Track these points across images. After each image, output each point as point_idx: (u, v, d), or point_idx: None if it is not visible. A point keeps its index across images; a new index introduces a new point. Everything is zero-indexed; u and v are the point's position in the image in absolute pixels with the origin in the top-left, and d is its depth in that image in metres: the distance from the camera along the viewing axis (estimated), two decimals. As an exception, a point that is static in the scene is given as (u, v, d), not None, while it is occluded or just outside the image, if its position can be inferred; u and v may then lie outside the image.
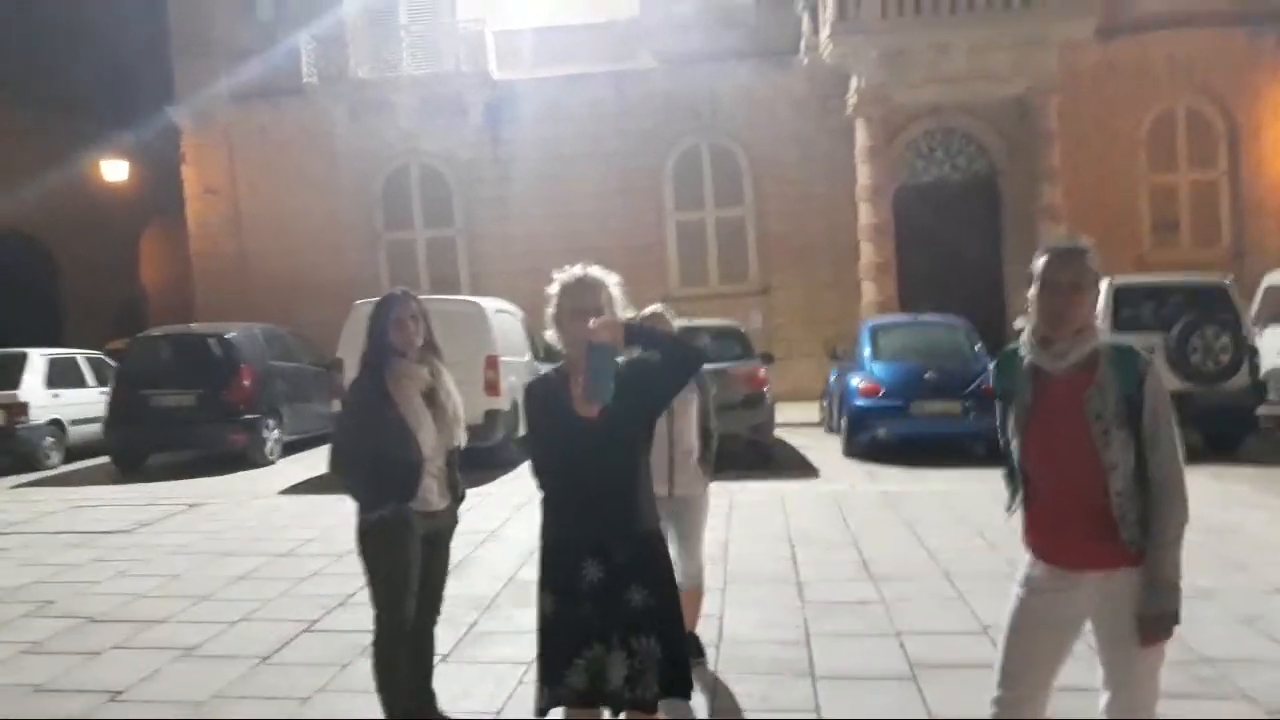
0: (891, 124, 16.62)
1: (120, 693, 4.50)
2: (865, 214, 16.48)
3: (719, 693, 4.30)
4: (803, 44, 16.81)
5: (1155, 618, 2.51)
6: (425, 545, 3.77)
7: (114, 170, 20.31)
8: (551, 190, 17.39)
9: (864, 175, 16.40)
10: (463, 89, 17.15)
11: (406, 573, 3.70)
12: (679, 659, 2.89)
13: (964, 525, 7.39)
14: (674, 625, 2.91)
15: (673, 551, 4.16)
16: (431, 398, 3.78)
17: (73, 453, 13.11)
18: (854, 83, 16.12)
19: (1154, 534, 2.52)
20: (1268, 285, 12.82)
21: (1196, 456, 9.69)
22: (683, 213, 17.94)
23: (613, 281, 2.96)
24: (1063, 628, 2.67)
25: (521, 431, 11.28)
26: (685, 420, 4.25)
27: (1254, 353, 10.53)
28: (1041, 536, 2.70)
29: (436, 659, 4.53)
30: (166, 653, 5.04)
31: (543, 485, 2.94)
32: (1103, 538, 2.55)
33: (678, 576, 4.15)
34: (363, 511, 3.70)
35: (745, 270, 17.91)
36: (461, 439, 3.89)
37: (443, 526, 3.87)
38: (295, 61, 16.96)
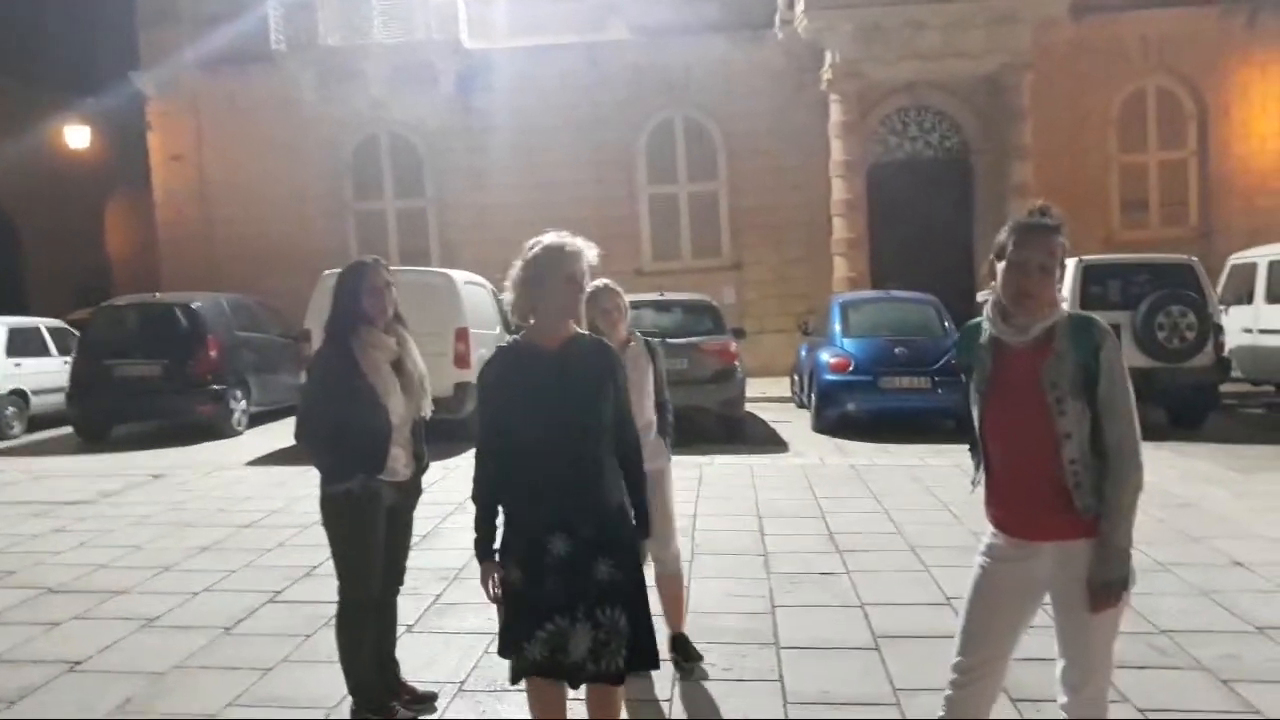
0: (866, 100, 16.61)
1: (79, 663, 4.45)
2: (838, 189, 16.49)
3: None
4: (778, 18, 16.73)
5: (1104, 583, 2.53)
6: (389, 516, 3.74)
7: (77, 137, 19.91)
8: (523, 161, 17.24)
9: (837, 151, 16.39)
10: (434, 57, 16.92)
11: (371, 545, 3.67)
12: (644, 632, 2.89)
13: (930, 499, 7.44)
14: (640, 599, 2.91)
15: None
16: (399, 367, 3.75)
17: (36, 423, 12.94)
18: (828, 58, 16.07)
19: (1107, 500, 2.54)
20: (1234, 264, 12.98)
21: (1160, 433, 9.93)
22: (656, 186, 17.86)
23: (592, 254, 2.92)
24: (1022, 597, 2.70)
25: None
26: (641, 393, 4.12)
27: (1219, 331, 10.66)
28: (1000, 507, 2.72)
29: (401, 629, 4.53)
30: (127, 623, 4.99)
31: (493, 459, 2.89)
32: (1059, 508, 2.57)
33: (653, 563, 4.16)
34: (328, 483, 3.66)
35: (718, 245, 17.87)
36: (428, 409, 3.85)
37: (408, 496, 3.85)
38: (263, 28, 16.66)
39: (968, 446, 2.87)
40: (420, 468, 3.88)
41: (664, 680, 4.05)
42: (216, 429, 11.79)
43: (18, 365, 12.56)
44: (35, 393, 12.80)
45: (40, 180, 20.84)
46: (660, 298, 11.56)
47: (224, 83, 17.41)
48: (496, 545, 2.90)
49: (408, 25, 16.75)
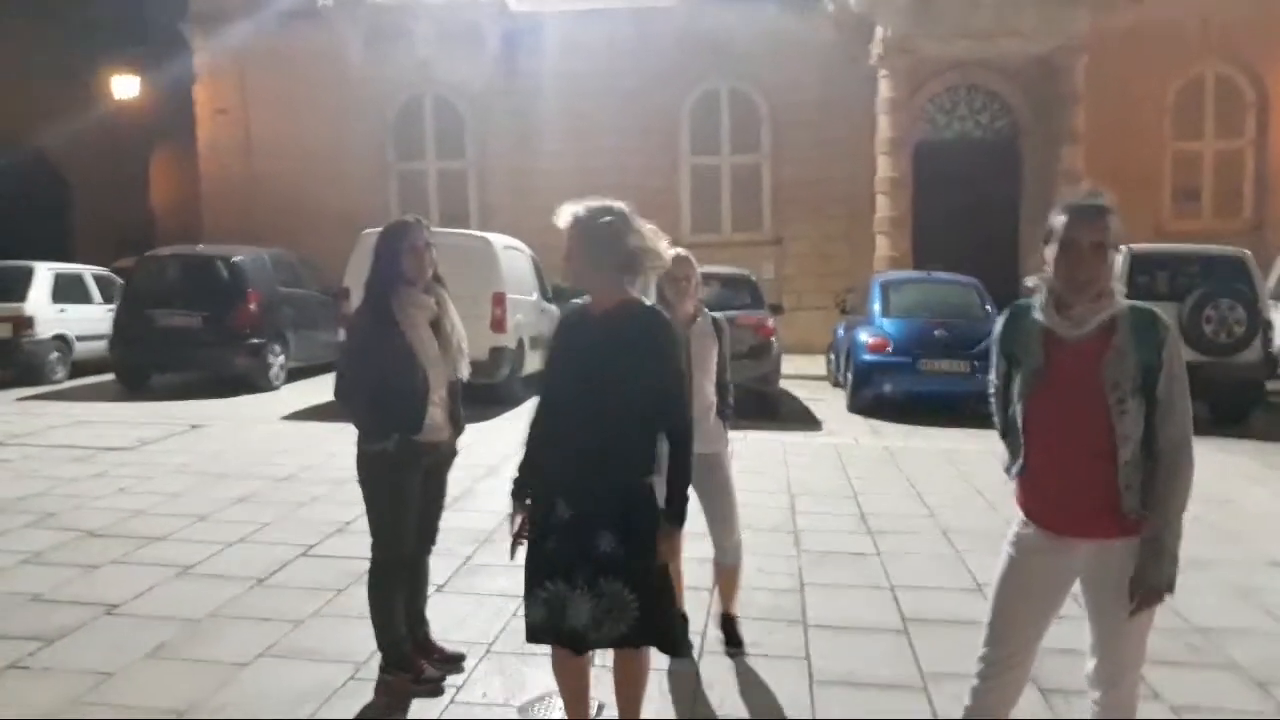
0: (915, 77, 16.34)
1: (116, 606, 4.53)
2: (883, 167, 16.28)
3: (708, 636, 4.32)
4: (830, -11, 16.47)
5: (1151, 586, 2.47)
6: (425, 476, 3.76)
7: (124, 87, 20.02)
8: (565, 127, 17.15)
9: (884, 127, 16.17)
10: (480, 19, 16.84)
11: (406, 504, 3.69)
12: (656, 616, 2.84)
13: (965, 483, 7.38)
14: (650, 582, 2.83)
15: (705, 524, 4.13)
16: (437, 327, 3.75)
17: (78, 368, 13.13)
18: (879, 32, 15.81)
19: (1159, 503, 2.47)
20: (1286, 259, 12.68)
21: (1202, 429, 9.65)
22: (698, 157, 17.72)
23: (634, 215, 2.89)
24: (1051, 590, 2.65)
25: (527, 369, 11.28)
26: (704, 372, 3.98)
27: (1268, 326, 10.44)
28: (1037, 500, 2.65)
29: (432, 589, 4.56)
30: (164, 569, 5.06)
31: (539, 417, 2.96)
32: (1103, 507, 2.50)
33: (715, 553, 4.14)
34: (366, 441, 3.68)
35: (759, 219, 17.73)
36: (465, 371, 3.85)
37: (443, 457, 3.86)
38: (313, -17, 16.67)
39: (999, 431, 2.81)
40: (457, 429, 3.88)
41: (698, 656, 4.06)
42: (254, 382, 11.91)
43: (62, 311, 12.74)
44: (79, 339, 12.97)
45: (88, 130, 20.96)
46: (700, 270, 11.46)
47: (270, 37, 17.41)
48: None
49: (456, -14, 16.66)
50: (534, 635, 2.92)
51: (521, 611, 2.97)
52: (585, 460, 2.82)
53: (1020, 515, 2.70)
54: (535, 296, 11.92)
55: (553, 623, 2.83)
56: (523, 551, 2.94)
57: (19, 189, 20.52)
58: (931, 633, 4.36)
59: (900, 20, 15.45)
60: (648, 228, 2.89)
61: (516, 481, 2.99)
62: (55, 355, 12.66)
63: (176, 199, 24.14)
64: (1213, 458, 8.24)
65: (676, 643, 2.98)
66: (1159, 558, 2.47)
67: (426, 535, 3.88)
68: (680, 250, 3.97)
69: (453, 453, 3.91)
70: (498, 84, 17.44)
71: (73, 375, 13.05)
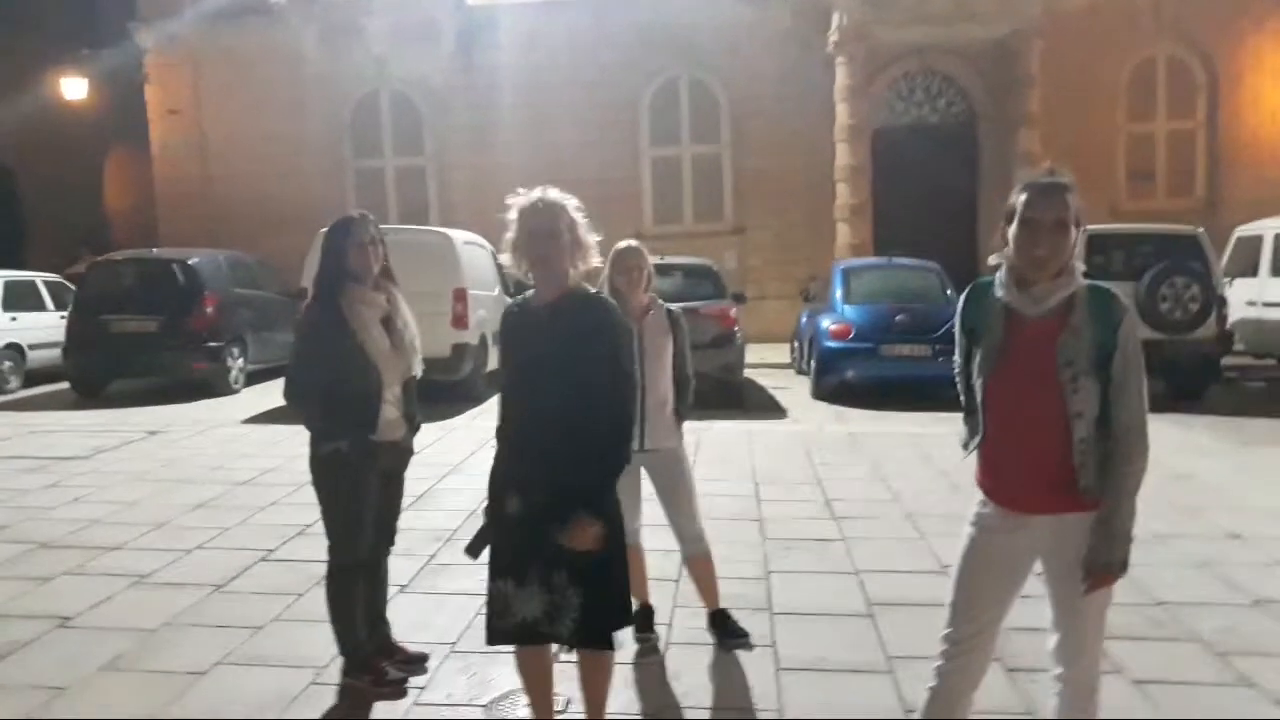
0: (872, 63, 16.38)
1: (70, 619, 4.44)
2: (843, 154, 16.32)
3: (674, 624, 4.30)
4: (785, -24, 16.46)
5: (1104, 565, 2.49)
6: (381, 476, 3.70)
7: (74, 89, 19.63)
8: (525, 120, 17.03)
9: (843, 115, 16.20)
10: (436, 13, 16.67)
11: (362, 506, 3.63)
12: (595, 610, 2.82)
13: (928, 467, 7.42)
14: (597, 577, 2.82)
15: (665, 516, 4.10)
16: (389, 325, 3.69)
17: (32, 377, 12.88)
18: (836, 19, 15.83)
19: (1113, 482, 2.49)
20: (1239, 237, 12.86)
21: (1160, 405, 9.81)
22: (658, 148, 17.67)
23: (571, 204, 2.88)
24: (1012, 568, 2.65)
25: (490, 365, 11.20)
26: (658, 366, 3.93)
27: (1223, 303, 10.58)
28: (995, 479, 2.66)
29: (394, 590, 4.52)
30: (119, 579, 4.97)
31: (500, 405, 2.97)
32: (1058, 484, 2.51)
33: (681, 546, 4.11)
34: (318, 443, 3.61)
35: (720, 209, 17.71)
36: (418, 368, 3.79)
37: (399, 457, 3.80)
38: (265, -20, 16.43)
39: (964, 411, 2.81)
40: (412, 428, 3.83)
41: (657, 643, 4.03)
42: (213, 386, 11.75)
43: (14, 319, 12.48)
44: (31, 347, 12.73)
45: (40, 133, 20.57)
46: (660, 261, 11.38)
47: (223, 36, 17.14)
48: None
49: (410, -21, 16.49)
50: (492, 637, 2.92)
51: (484, 610, 2.95)
52: (536, 454, 2.80)
53: (980, 494, 2.71)
54: (497, 292, 11.83)
55: (504, 620, 2.85)
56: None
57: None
58: (896, 616, 4.37)
59: (857, 7, 15.47)
60: (580, 221, 2.87)
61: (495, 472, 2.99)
62: (7, 365, 12.40)
63: (132, 201, 23.75)
64: (1170, 433, 8.34)
65: (607, 636, 2.93)
66: (1110, 538, 2.48)
67: (385, 537, 3.83)
68: (630, 241, 3.94)
69: (409, 451, 3.85)
70: (455, 79, 17.29)
71: (28, 384, 12.79)
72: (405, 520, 3.95)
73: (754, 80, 17.04)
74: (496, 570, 2.86)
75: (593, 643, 2.90)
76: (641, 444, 3.89)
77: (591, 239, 2.89)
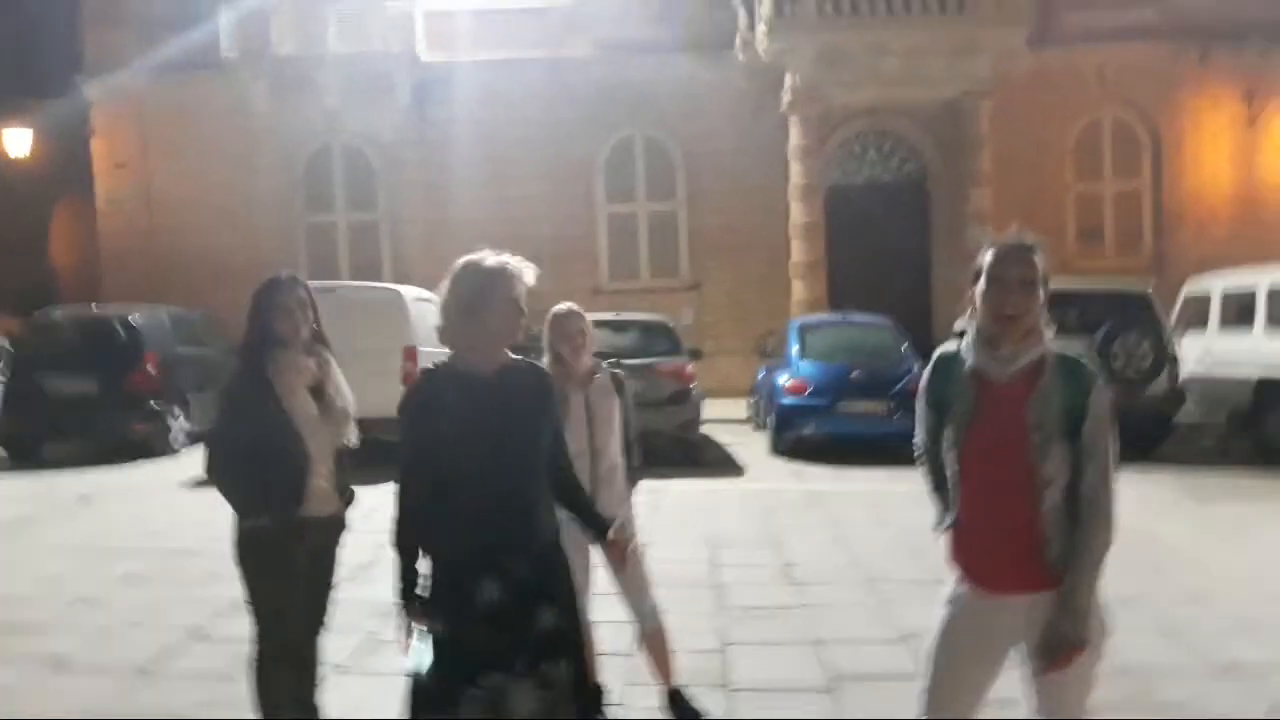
0: (826, 123, 16.58)
1: (-25, 709, 4.12)
2: (797, 212, 16.42)
3: (629, 703, 4.08)
4: (738, 39, 16.65)
5: (1057, 641, 2.35)
6: (310, 554, 3.47)
7: (18, 142, 19.27)
8: (479, 177, 16.95)
9: (796, 174, 16.33)
10: (389, 69, 16.60)
11: (288, 585, 3.39)
12: (589, 689, 2.76)
13: (888, 528, 7.29)
14: (581, 652, 2.72)
15: (613, 586, 3.90)
16: (319, 392, 3.48)
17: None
18: (789, 80, 16.01)
19: (1075, 554, 2.36)
20: (1187, 294, 13.02)
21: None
22: (615, 205, 17.67)
23: (530, 276, 2.69)
24: (990, 652, 2.50)
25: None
26: (608, 430, 3.77)
27: (1174, 360, 10.66)
28: (969, 555, 2.52)
29: (331, 668, 4.26)
30: (34, 663, 4.65)
31: (417, 495, 2.64)
32: (1029, 557, 2.38)
33: (634, 619, 3.90)
34: (242, 518, 3.39)
35: (676, 265, 17.71)
36: (352, 438, 3.57)
37: (330, 532, 3.57)
38: (214, 34, 16.22)
39: (928, 485, 2.68)
40: (345, 501, 3.60)
41: (607, 728, 3.81)
42: (153, 447, 11.33)
43: (-56, 380, 12.02)
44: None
45: (-19, 186, 20.19)
46: (616, 317, 11.36)
47: (172, 89, 16.92)
48: (420, 591, 2.65)
49: (363, 36, 16.42)
50: None
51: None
52: (507, 529, 2.58)
53: (955, 573, 2.57)
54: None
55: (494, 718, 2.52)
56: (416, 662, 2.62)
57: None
58: (858, 690, 4.19)
59: (809, 68, 15.67)
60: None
61: (405, 581, 2.65)
62: (-63, 427, 11.89)
63: (78, 257, 23.24)
64: (1128, 491, 8.24)
65: (600, 698, 2.77)
66: (1069, 613, 2.35)
67: (315, 618, 3.58)
68: (568, 305, 3.79)
69: (341, 526, 3.62)
70: (409, 134, 17.19)
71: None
72: (345, 591, 3.72)
73: (709, 138, 17.17)
74: (473, 667, 2.51)
75: (590, 709, 2.74)
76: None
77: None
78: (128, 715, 4.07)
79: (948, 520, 2.57)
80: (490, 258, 2.64)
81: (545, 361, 3.80)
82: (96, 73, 17.41)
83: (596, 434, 3.72)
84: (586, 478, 3.65)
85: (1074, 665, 2.36)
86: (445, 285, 2.65)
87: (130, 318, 11.65)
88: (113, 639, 4.99)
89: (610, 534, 2.81)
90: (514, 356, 2.72)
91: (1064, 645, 2.33)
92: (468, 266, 2.63)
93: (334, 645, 4.09)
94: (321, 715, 3.69)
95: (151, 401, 11.24)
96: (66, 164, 19.51)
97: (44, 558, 6.66)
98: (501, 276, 2.60)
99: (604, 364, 3.93)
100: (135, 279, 16.75)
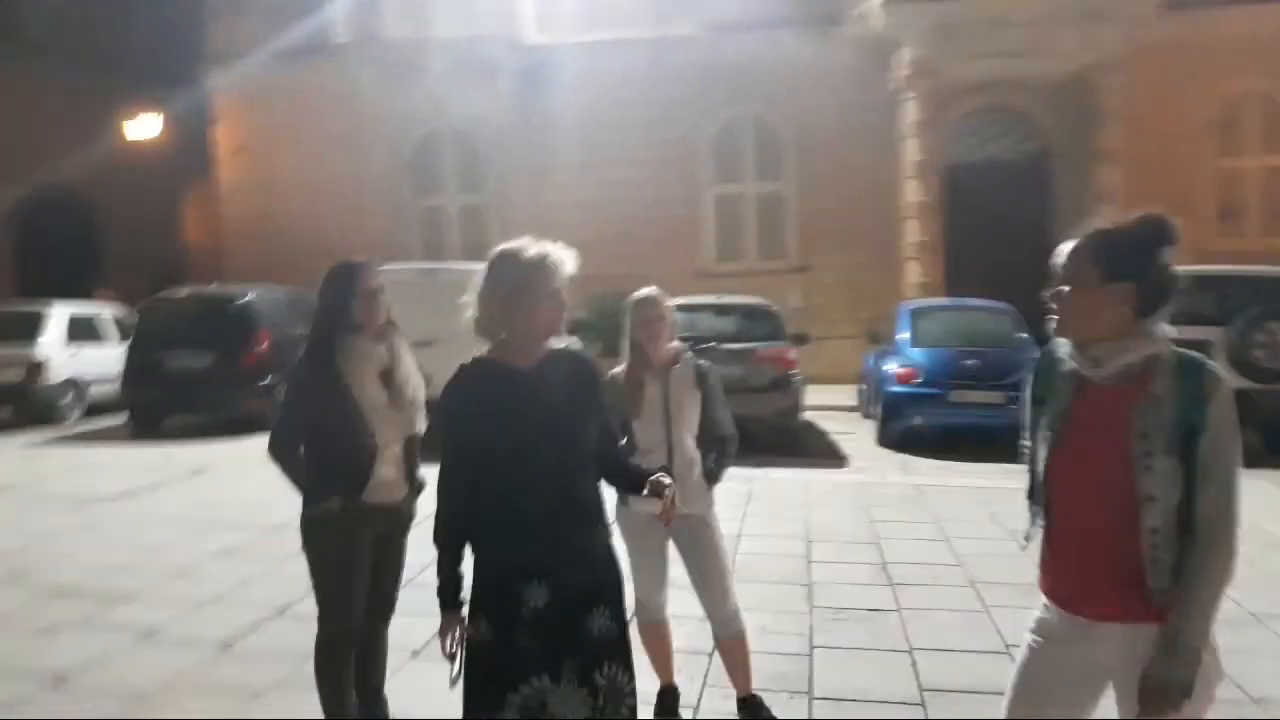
0: (942, 99, 15.87)
1: (65, 678, 4.21)
2: (911, 192, 15.83)
3: (701, 708, 3.90)
4: (850, 13, 16.10)
5: (1161, 684, 2.04)
6: (378, 541, 3.40)
7: (147, 128, 20.14)
8: (584, 159, 16.88)
9: (911, 152, 15.73)
10: (496, 53, 16.64)
11: (352, 572, 3.33)
12: (635, 695, 2.55)
13: (997, 527, 6.88)
14: (631, 657, 2.57)
15: (694, 591, 3.69)
16: (388, 379, 3.39)
17: (95, 410, 12.99)
18: (904, 55, 15.42)
19: (1186, 585, 2.05)
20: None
21: (1253, 459, 9.10)
22: (721, 185, 17.36)
23: (572, 265, 2.53)
24: (1078, 687, 2.22)
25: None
26: (684, 423, 3.58)
27: (1323, 351, 9.82)
28: (1058, 576, 2.25)
29: (407, 655, 4.22)
30: (125, 634, 4.75)
31: (458, 493, 2.49)
32: (1127, 583, 2.09)
33: (712, 625, 3.72)
34: (307, 503, 3.34)
35: (784, 247, 17.30)
36: (421, 424, 3.48)
37: (398, 520, 3.49)
38: (328, 20, 16.59)
39: (1025, 491, 2.41)
40: (414, 489, 3.51)
41: (679, 733, 3.63)
42: (264, 423, 11.60)
43: (74, 354, 12.61)
44: (94, 380, 12.83)
45: (117, 171, 21.14)
46: (716, 301, 11.12)
47: (287, 76, 17.36)
48: (465, 595, 2.52)
49: (470, 20, 16.50)
50: None
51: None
52: (555, 531, 2.44)
53: (1042, 598, 2.30)
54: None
55: None
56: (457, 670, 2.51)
57: (51, 228, 20.65)
58: (951, 705, 3.91)
59: (925, 42, 15.04)
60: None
61: (442, 588, 2.52)
62: (68, 398, 12.52)
63: (205, 238, 24.25)
64: (1266, 493, 7.67)
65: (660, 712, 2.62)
66: (1174, 653, 2.03)
67: (382, 606, 3.52)
68: (649, 290, 3.61)
69: (409, 515, 3.54)
70: (515, 118, 17.23)
71: (90, 415, 12.90)
72: (427, 575, 3.62)
73: (818, 117, 16.66)
74: (519, 673, 2.39)
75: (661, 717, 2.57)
76: None
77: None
78: (207, 688, 4.09)
79: (1032, 532, 2.31)
80: (531, 247, 2.49)
81: (625, 348, 3.65)
82: (218, 62, 18.00)
83: (673, 426, 3.53)
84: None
85: (1176, 714, 2.05)
86: (482, 275, 2.51)
87: (245, 297, 12.00)
88: (201, 613, 5.07)
89: (650, 484, 2.57)
90: (556, 346, 2.56)
91: (1166, 691, 2.03)
92: (506, 256, 2.49)
93: (412, 631, 4.05)
94: (389, 705, 3.63)
95: (262, 379, 11.54)
96: (193, 150, 20.30)
97: (149, 528, 6.86)
98: (543, 268, 2.45)
99: (687, 352, 3.73)
100: (255, 260, 17.30)
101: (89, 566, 5.91)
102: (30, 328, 12.29)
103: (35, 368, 12.01)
